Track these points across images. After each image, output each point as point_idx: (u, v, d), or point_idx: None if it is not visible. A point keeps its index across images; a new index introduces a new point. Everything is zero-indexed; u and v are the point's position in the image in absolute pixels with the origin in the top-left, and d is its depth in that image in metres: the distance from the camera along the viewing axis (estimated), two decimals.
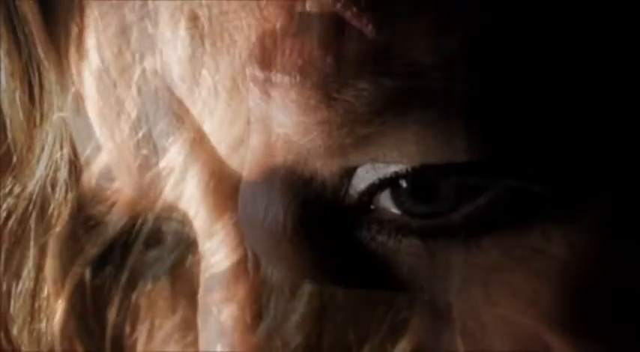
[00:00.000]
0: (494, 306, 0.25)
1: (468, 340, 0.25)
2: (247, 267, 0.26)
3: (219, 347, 0.26)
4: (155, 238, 0.30)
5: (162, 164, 0.26)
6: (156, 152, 0.26)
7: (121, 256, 0.31)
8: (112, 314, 0.32)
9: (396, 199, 0.25)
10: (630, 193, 0.26)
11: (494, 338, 0.25)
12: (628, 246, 0.26)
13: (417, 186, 0.25)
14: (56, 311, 0.32)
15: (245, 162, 0.25)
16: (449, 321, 0.25)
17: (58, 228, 0.29)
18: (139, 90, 0.26)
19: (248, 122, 0.24)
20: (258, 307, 0.26)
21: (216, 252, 0.26)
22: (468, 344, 0.25)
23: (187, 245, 0.29)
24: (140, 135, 0.26)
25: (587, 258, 0.25)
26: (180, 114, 0.26)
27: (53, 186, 0.29)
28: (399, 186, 0.25)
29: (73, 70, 0.27)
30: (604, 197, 0.25)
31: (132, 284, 0.31)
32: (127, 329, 0.32)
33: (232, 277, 0.26)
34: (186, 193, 0.26)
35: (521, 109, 0.25)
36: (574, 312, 0.25)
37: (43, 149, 0.28)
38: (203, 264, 0.27)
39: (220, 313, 0.26)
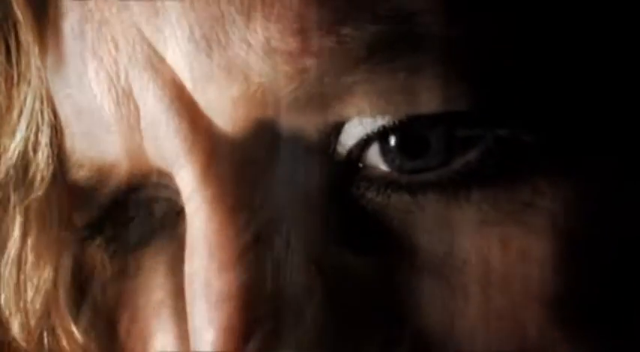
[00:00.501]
0: (485, 260, 0.24)
1: (460, 294, 0.24)
2: (233, 228, 0.25)
3: (206, 314, 0.25)
4: (143, 204, 0.29)
5: (142, 122, 0.26)
6: (136, 109, 0.26)
7: (108, 223, 0.30)
8: (101, 284, 0.32)
9: (385, 156, 0.25)
10: (625, 148, 0.25)
11: (486, 292, 0.24)
12: (622, 202, 0.25)
13: (406, 141, 0.25)
14: (43, 281, 0.31)
15: (225, 116, 0.24)
16: (440, 276, 0.24)
17: (40, 192, 0.28)
18: (117, 46, 0.25)
19: (228, 72, 0.24)
20: (243, 269, 0.25)
21: (200, 212, 0.25)
22: (459, 298, 0.24)
23: (177, 210, 0.29)
24: (120, 91, 0.26)
25: (579, 213, 0.25)
26: (158, 68, 0.25)
27: (35, 150, 0.28)
28: (388, 142, 0.25)
29: (51, 28, 0.27)
30: (597, 152, 0.25)
31: (121, 253, 0.30)
32: (117, 299, 0.32)
33: (217, 238, 0.25)
34: (169, 150, 0.25)
35: (513, 55, 0.24)
36: (566, 267, 0.24)
37: (22, 110, 0.27)
38: (188, 225, 0.26)
39: (206, 277, 0.25)
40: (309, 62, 0.23)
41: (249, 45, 0.23)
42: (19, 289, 0.31)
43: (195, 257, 0.25)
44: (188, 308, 0.25)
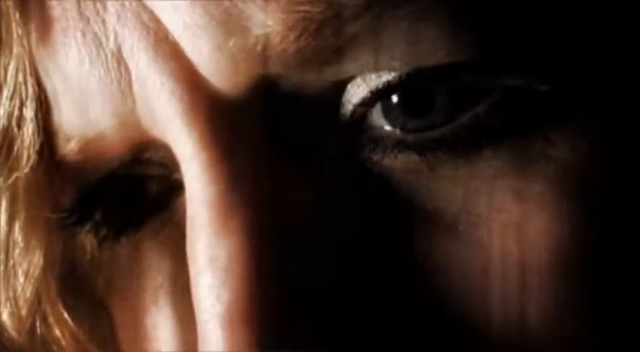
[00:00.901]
0: (500, 212, 0.23)
1: (476, 249, 0.23)
2: (236, 194, 0.24)
3: (212, 288, 0.24)
4: (135, 183, 0.28)
5: (134, 85, 0.24)
6: (127, 72, 0.24)
7: (98, 205, 0.29)
8: (94, 270, 0.30)
9: (389, 115, 0.24)
10: (635, 98, 0.25)
11: (503, 244, 0.23)
12: (633, 150, 0.25)
13: (410, 98, 0.24)
14: (33, 267, 0.30)
15: (224, 74, 0.23)
16: (455, 233, 0.23)
17: (26, 171, 0.27)
18: (104, 5, 0.24)
19: (224, 25, 0.22)
20: (253, 241, 0.24)
21: (200, 178, 0.24)
22: (476, 253, 0.23)
23: (172, 188, 0.27)
24: (109, 54, 0.24)
25: (592, 162, 0.24)
26: (150, 25, 0.23)
27: (19, 125, 0.27)
28: (391, 100, 0.24)
29: None
30: (607, 101, 0.24)
31: (112, 236, 0.29)
32: (111, 284, 0.30)
33: (219, 205, 0.24)
34: (164, 114, 0.24)
35: (522, 2, 0.23)
36: (581, 216, 0.23)
37: (4, 82, 0.26)
38: (187, 196, 0.25)
39: (212, 250, 0.24)
40: (310, 10, 0.22)
41: None
42: (8, 276, 0.29)
43: (197, 226, 0.24)
44: (192, 281, 0.24)
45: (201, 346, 0.23)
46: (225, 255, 0.23)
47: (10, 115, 0.27)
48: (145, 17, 0.23)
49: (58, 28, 0.25)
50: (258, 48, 0.22)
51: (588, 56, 0.24)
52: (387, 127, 0.24)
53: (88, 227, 0.29)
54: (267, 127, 0.24)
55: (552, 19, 0.23)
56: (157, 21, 0.23)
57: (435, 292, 0.24)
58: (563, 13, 0.23)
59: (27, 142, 0.27)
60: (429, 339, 0.24)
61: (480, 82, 0.23)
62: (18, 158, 0.27)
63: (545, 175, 0.23)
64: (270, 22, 0.22)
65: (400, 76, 0.23)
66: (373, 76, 0.23)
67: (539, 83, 0.23)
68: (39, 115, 0.27)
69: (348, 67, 0.23)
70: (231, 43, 0.23)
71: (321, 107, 0.24)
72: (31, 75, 0.26)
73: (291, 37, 0.22)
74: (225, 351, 0.22)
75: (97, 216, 0.29)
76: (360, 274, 0.24)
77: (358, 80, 0.23)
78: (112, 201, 0.28)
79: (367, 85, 0.23)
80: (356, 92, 0.24)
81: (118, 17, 0.24)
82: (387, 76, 0.23)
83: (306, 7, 0.22)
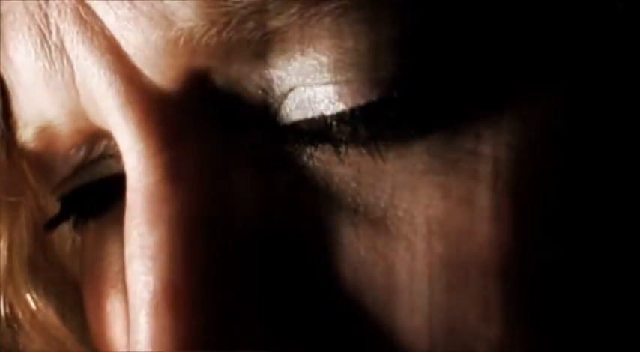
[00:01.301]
0: (427, 208, 0.23)
1: (403, 244, 0.23)
2: (171, 185, 0.24)
3: (140, 274, 0.25)
4: (94, 169, 0.28)
5: (77, 77, 0.25)
6: (69, 64, 0.25)
7: (65, 193, 0.29)
8: (59, 254, 0.31)
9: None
10: (567, 94, 0.24)
11: (429, 239, 0.23)
12: (563, 148, 0.24)
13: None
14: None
15: (154, 66, 0.24)
16: (382, 228, 0.23)
17: None
18: (47, 1, 0.25)
19: (151, 18, 0.23)
20: (182, 230, 0.24)
21: (137, 168, 0.25)
22: (402, 247, 0.23)
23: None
24: (52, 47, 0.25)
25: (522, 159, 0.24)
26: (87, 19, 0.24)
27: None
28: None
29: None
30: (539, 97, 0.24)
31: (80, 222, 0.30)
32: (82, 268, 0.31)
33: (153, 195, 0.24)
34: (104, 105, 0.25)
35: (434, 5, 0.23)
36: (507, 213, 0.23)
37: None
38: (127, 185, 0.25)
39: (143, 238, 0.24)
40: (233, 5, 0.22)
41: None
42: None
43: (132, 214, 0.24)
44: (125, 268, 0.25)
45: (129, 331, 0.24)
46: (155, 243, 0.24)
47: None
48: (83, 11, 0.24)
49: (6, 22, 0.26)
50: (181, 41, 0.23)
51: (518, 53, 0.24)
52: (322, 121, 0.24)
53: (59, 215, 0.30)
54: (201, 119, 0.24)
55: (479, 17, 0.23)
56: (94, 15, 0.24)
57: (359, 285, 0.24)
58: (492, 12, 0.23)
59: None
60: (350, 331, 0.24)
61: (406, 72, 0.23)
62: None
63: (473, 172, 0.23)
64: (193, 16, 0.23)
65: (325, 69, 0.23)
66: (309, 92, 0.24)
67: (457, 82, 0.23)
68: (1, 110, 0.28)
69: (275, 61, 0.23)
70: (156, 36, 0.23)
71: (253, 99, 0.24)
72: None
73: (214, 30, 0.23)
74: (149, 338, 0.23)
75: (65, 203, 0.30)
76: (285, 266, 0.24)
77: (284, 73, 0.24)
78: (76, 187, 0.29)
79: (294, 79, 0.24)
80: (282, 84, 0.24)
81: (59, 12, 0.25)
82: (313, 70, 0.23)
83: (229, 2, 0.22)
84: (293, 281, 0.24)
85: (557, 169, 0.24)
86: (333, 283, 0.24)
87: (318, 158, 0.24)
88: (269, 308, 0.24)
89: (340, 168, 0.24)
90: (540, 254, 0.24)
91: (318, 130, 0.24)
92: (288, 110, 0.24)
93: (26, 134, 0.28)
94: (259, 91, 0.24)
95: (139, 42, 0.23)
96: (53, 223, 0.30)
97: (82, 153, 0.28)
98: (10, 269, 0.31)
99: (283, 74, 0.23)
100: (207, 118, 0.24)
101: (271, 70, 0.23)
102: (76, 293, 0.33)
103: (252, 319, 0.24)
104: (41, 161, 0.29)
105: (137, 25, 0.23)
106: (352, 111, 0.23)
